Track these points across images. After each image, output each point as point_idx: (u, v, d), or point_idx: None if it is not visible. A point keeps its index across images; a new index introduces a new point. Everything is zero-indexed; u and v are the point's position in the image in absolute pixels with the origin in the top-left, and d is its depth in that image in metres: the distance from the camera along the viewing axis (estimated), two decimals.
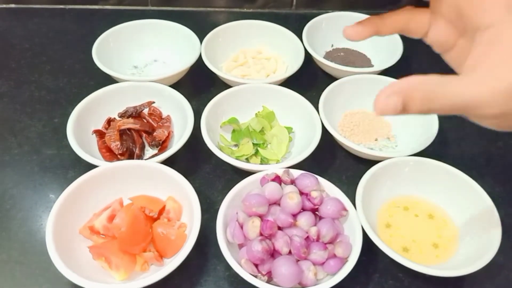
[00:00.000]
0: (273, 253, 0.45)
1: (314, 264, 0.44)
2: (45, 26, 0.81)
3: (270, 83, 0.64)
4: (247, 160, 0.59)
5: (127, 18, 0.74)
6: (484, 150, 0.63)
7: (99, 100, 0.61)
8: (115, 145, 0.57)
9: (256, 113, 0.63)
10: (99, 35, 0.70)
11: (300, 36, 0.72)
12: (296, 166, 0.52)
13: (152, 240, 0.48)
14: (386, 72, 0.67)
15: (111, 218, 0.48)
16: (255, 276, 0.43)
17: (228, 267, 0.44)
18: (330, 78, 0.69)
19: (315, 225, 0.46)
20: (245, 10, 0.87)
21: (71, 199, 0.48)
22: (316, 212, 0.48)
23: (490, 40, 0.27)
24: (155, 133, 0.60)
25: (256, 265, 0.44)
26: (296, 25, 0.75)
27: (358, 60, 0.74)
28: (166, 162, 0.54)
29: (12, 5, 0.85)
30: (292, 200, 0.47)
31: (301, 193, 0.48)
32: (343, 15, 0.78)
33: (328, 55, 0.75)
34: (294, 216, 0.47)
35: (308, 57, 0.69)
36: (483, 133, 0.64)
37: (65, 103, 0.66)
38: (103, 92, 0.61)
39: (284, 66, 0.73)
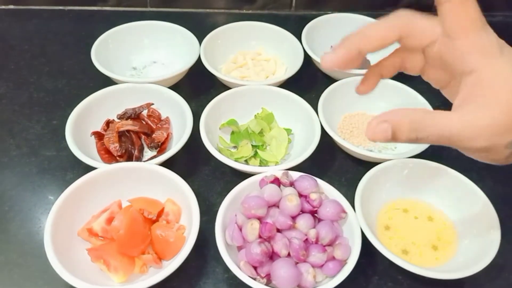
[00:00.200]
0: (272, 256, 0.45)
1: (313, 266, 0.44)
2: (44, 27, 0.81)
3: (269, 85, 0.64)
4: (246, 162, 0.59)
5: (126, 20, 0.74)
6: None
7: (98, 102, 0.60)
8: (114, 147, 0.57)
9: (255, 115, 0.63)
10: (98, 37, 0.70)
11: (299, 38, 0.72)
12: (295, 168, 0.52)
13: (151, 242, 0.48)
14: None
15: (110, 220, 0.48)
16: (254, 279, 0.43)
17: (227, 270, 0.44)
18: (330, 80, 0.69)
19: (314, 227, 0.46)
20: (244, 11, 0.87)
21: (69, 201, 0.48)
22: (315, 214, 0.48)
23: (473, 83, 0.31)
24: (154, 135, 0.60)
25: (255, 268, 0.44)
26: (296, 27, 0.74)
27: None
28: (165, 164, 0.54)
29: (11, 6, 0.85)
30: (291, 202, 0.46)
31: (300, 195, 0.48)
32: (342, 16, 0.78)
33: None
34: (293, 218, 0.47)
35: (307, 58, 0.69)
36: None
37: (64, 104, 0.66)
38: (102, 93, 0.61)
39: (284, 68, 0.73)
